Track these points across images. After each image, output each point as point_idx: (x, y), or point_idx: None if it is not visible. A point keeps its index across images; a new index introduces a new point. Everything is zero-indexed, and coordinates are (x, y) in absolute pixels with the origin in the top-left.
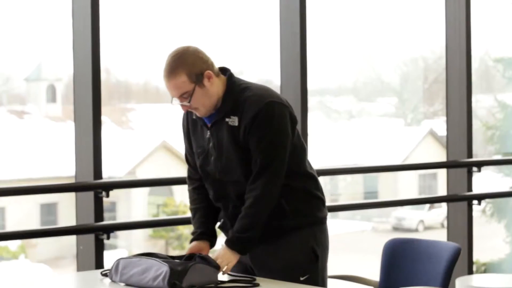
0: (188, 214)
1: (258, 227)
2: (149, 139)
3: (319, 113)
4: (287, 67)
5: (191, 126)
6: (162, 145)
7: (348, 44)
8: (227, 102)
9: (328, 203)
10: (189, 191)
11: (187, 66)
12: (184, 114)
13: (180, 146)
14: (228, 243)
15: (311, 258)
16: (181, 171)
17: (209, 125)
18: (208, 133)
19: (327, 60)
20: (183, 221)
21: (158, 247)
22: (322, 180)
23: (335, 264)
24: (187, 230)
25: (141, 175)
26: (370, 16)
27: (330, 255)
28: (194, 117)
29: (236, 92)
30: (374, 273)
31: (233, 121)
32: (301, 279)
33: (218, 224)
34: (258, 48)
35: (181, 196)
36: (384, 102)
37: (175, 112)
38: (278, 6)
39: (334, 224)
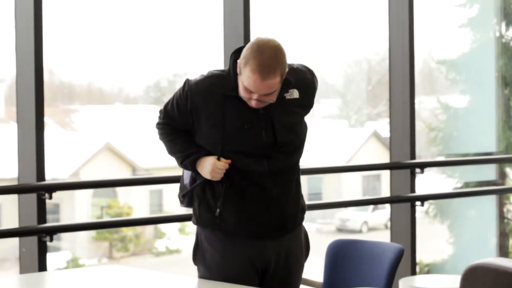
0: (133, 216)
1: None
2: (93, 141)
3: None
4: None
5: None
6: (106, 147)
7: (292, 45)
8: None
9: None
10: (162, 125)
11: (282, 66)
12: (189, 88)
13: (124, 148)
14: None
15: (307, 241)
16: (125, 172)
17: None
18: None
19: None
20: (127, 223)
21: (102, 249)
22: None
23: None
24: (130, 232)
25: (84, 177)
26: (314, 18)
27: None
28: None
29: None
30: (318, 274)
31: (291, 94)
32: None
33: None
34: (202, 49)
35: (125, 197)
36: (328, 103)
37: (119, 114)
38: (222, 8)
39: None
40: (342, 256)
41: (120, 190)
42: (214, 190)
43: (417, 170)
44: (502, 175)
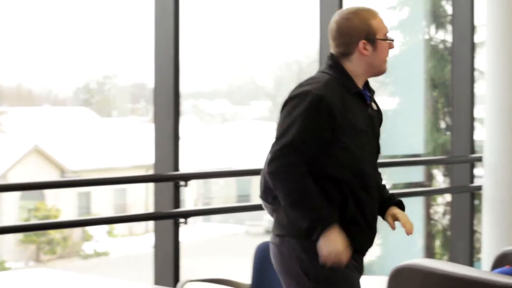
0: (61, 219)
1: None
2: (21, 143)
3: (193, 116)
4: (160, 70)
5: (341, 107)
6: (34, 149)
7: (223, 48)
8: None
9: (201, 206)
10: (292, 166)
11: None
12: (326, 97)
13: (52, 150)
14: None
15: None
16: (53, 175)
17: (368, 102)
18: (369, 110)
19: (202, 64)
20: (55, 225)
21: (29, 252)
22: (195, 183)
23: (207, 267)
24: (58, 235)
25: (12, 179)
26: (245, 20)
27: (202, 259)
28: (354, 91)
29: None
30: (247, 276)
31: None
32: None
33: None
34: (132, 51)
35: (53, 200)
36: (258, 105)
37: (47, 116)
38: (152, 9)
39: (207, 227)
40: (270, 258)
41: (48, 192)
42: (330, 199)
43: None
44: (430, 177)
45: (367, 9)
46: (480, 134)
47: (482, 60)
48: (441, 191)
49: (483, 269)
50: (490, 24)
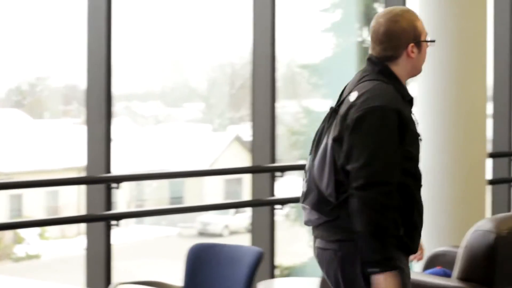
0: None
1: None
2: None
3: (125, 118)
4: (93, 72)
5: (408, 117)
6: None
7: (156, 49)
8: None
9: (134, 208)
10: (390, 193)
11: None
12: (395, 112)
13: None
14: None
15: None
16: None
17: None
18: (413, 114)
19: (135, 65)
20: None
21: None
22: (128, 185)
23: (140, 270)
24: None
25: None
26: (178, 21)
27: (135, 261)
28: (408, 99)
29: None
30: (179, 279)
31: None
32: None
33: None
34: (64, 52)
35: None
36: (191, 107)
37: None
38: (84, 10)
39: (140, 229)
40: (202, 260)
41: None
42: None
43: (278, 173)
44: None
45: (409, 10)
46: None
47: None
48: None
49: (415, 270)
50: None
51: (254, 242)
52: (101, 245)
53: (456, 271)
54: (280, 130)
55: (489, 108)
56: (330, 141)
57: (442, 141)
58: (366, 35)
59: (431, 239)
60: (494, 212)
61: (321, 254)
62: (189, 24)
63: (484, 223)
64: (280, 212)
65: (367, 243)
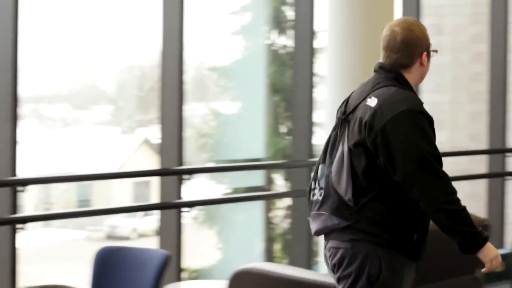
0: None
1: None
2: None
3: (33, 120)
4: None
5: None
6: None
7: (64, 51)
8: None
9: (41, 212)
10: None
11: None
12: (423, 114)
13: None
14: None
15: None
16: None
17: None
18: None
19: (43, 67)
20: None
21: None
22: (35, 188)
23: (46, 274)
24: None
25: None
26: (86, 23)
27: (41, 265)
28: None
29: None
30: (87, 282)
31: None
32: None
33: None
34: None
35: None
36: (100, 110)
37: None
38: None
39: (47, 233)
40: (110, 263)
41: None
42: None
43: (186, 176)
44: (270, 181)
45: (418, 20)
46: (321, 138)
47: (323, 65)
48: (281, 195)
49: (321, 272)
50: (331, 30)
51: (162, 245)
52: (6, 249)
53: None
54: (188, 132)
55: None
56: (346, 148)
57: None
58: (275, 38)
59: None
60: None
61: (333, 253)
62: (97, 26)
63: None
64: (188, 215)
65: (458, 234)
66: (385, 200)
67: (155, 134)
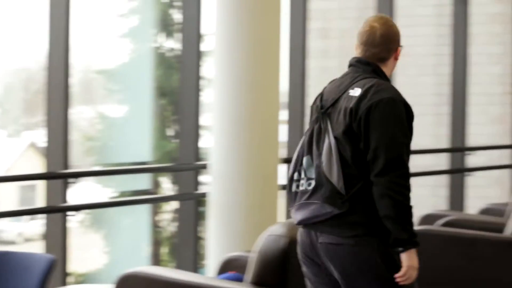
0: None
1: None
2: None
3: None
4: None
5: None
6: None
7: None
8: None
9: None
10: (409, 189)
11: None
12: (403, 104)
13: None
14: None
15: None
16: None
17: None
18: None
19: None
20: None
21: None
22: None
23: None
24: None
25: None
26: None
27: None
28: None
29: None
30: None
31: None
32: None
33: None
34: None
35: None
36: None
37: None
38: None
39: None
40: None
41: None
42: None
43: (71, 180)
44: (157, 184)
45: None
46: (208, 141)
47: (210, 68)
48: (168, 198)
49: (208, 275)
50: (218, 33)
51: (48, 249)
52: None
53: (249, 275)
54: (75, 136)
55: (285, 114)
56: (332, 139)
57: (235, 146)
58: (162, 41)
59: (225, 244)
60: (288, 217)
61: (332, 249)
62: None
63: (276, 228)
64: (74, 219)
65: (394, 225)
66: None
67: (41, 137)
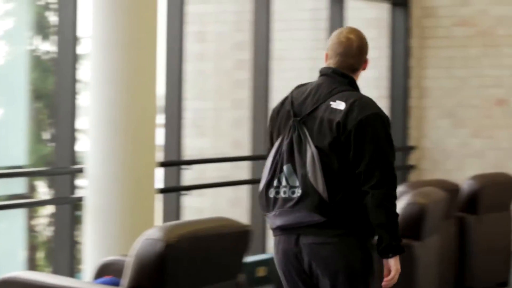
0: None
1: None
2: None
3: None
4: None
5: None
6: None
7: None
8: None
9: None
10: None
11: None
12: (387, 119)
13: None
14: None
15: None
16: None
17: None
18: None
19: None
20: None
21: None
22: None
23: None
24: None
25: None
26: None
27: None
28: None
29: None
30: None
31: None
32: None
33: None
34: None
35: None
36: None
37: None
38: None
39: None
40: None
41: None
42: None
43: None
44: (32, 189)
45: None
46: (85, 145)
47: (87, 71)
48: (44, 203)
49: (85, 280)
50: (94, 36)
51: None
52: None
53: (126, 280)
54: None
55: (162, 118)
56: (314, 149)
57: (112, 150)
58: (38, 43)
59: (101, 248)
60: (165, 220)
61: (315, 248)
62: None
63: (153, 232)
64: None
65: (388, 232)
66: (357, 194)
67: None
